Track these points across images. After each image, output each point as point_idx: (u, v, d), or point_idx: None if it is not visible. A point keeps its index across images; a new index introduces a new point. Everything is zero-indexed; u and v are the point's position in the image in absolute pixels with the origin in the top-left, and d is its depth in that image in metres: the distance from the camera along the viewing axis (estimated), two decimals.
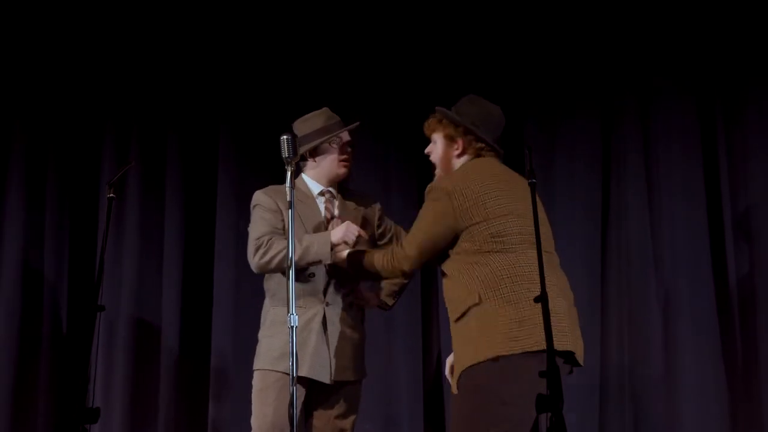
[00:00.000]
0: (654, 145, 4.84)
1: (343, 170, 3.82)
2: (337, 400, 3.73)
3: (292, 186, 3.36)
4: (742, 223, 4.73)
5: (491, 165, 3.47)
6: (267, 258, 3.66)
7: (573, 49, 4.97)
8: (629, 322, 4.75)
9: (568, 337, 3.25)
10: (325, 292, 3.71)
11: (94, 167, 5.15)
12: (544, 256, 3.26)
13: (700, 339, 4.62)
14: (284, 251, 3.59)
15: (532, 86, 4.97)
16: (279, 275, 3.73)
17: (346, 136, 3.83)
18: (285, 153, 3.35)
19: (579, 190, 4.84)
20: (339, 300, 3.71)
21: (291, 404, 3.17)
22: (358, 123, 3.88)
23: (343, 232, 3.63)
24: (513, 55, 5.00)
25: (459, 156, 3.51)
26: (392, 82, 5.07)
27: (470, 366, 3.21)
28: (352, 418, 3.78)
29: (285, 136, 3.36)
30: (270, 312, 3.77)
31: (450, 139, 3.52)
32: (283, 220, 3.71)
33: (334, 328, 3.69)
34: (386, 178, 5.05)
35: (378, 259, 3.52)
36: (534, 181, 3.14)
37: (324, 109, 3.90)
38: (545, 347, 3.02)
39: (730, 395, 4.61)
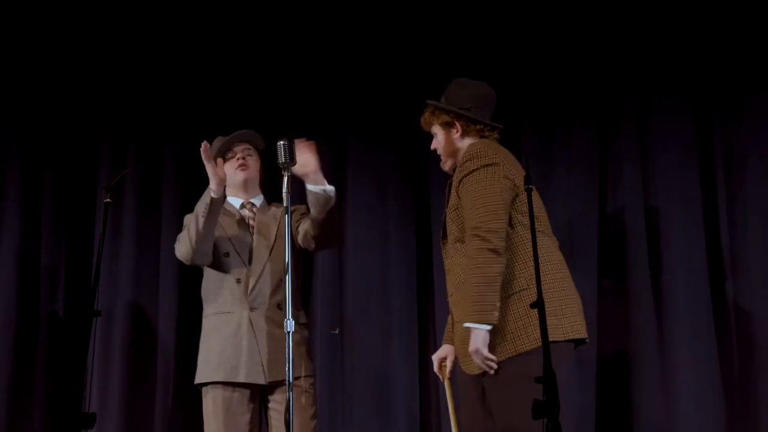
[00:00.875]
0: (651, 155, 4.84)
1: (241, 175, 3.99)
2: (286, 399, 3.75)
3: (289, 191, 3.36)
4: (738, 230, 4.74)
5: (499, 147, 3.49)
6: (181, 245, 3.87)
7: (569, 58, 4.97)
8: (627, 329, 4.75)
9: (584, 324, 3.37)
10: (249, 297, 3.80)
11: (91, 172, 5.14)
12: (551, 243, 3.35)
13: (696, 342, 4.62)
14: (187, 226, 3.84)
15: (529, 96, 4.98)
16: (208, 285, 3.91)
17: (234, 146, 4.01)
18: (281, 158, 3.34)
19: (576, 199, 4.84)
20: (265, 303, 3.80)
21: (287, 410, 3.17)
22: (242, 131, 4.05)
23: (212, 170, 3.80)
24: (510, 65, 5.01)
25: (461, 137, 3.51)
26: (388, 90, 5.07)
27: (525, 352, 3.21)
28: (308, 413, 3.81)
29: (281, 142, 3.35)
30: (205, 322, 3.90)
31: (447, 126, 3.54)
32: None
33: (262, 330, 3.75)
34: (382, 186, 5.05)
35: (473, 271, 3.24)
36: (531, 186, 3.15)
37: (217, 137, 4.10)
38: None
39: (726, 396, 4.61)
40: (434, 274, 4.92)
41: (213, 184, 3.79)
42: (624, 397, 4.70)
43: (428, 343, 4.94)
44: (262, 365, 3.72)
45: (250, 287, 3.81)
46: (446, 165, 3.62)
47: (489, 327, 3.21)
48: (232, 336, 3.76)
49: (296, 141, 3.65)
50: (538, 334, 3.09)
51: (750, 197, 4.75)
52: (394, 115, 5.05)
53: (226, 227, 3.95)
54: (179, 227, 4.97)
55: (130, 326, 4.95)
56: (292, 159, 3.34)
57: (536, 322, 3.07)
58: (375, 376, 4.88)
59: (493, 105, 3.58)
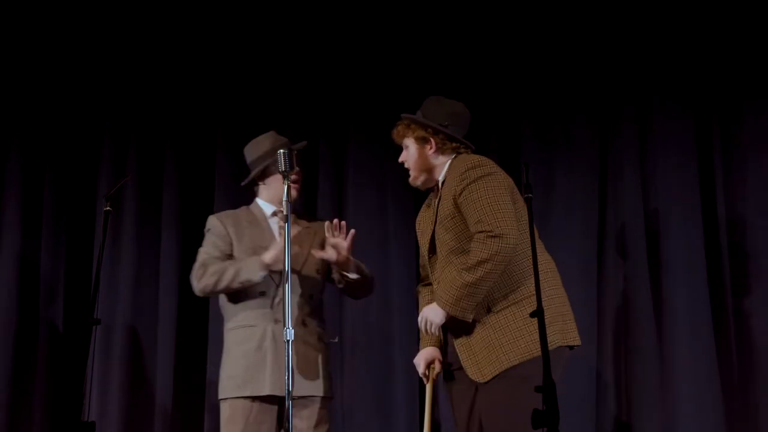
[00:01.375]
0: (651, 155, 4.84)
1: (293, 194, 3.77)
2: (305, 415, 3.73)
3: (289, 200, 3.36)
4: (737, 232, 4.75)
5: None
6: (203, 283, 3.77)
7: (569, 60, 4.97)
8: (627, 329, 4.76)
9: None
10: (273, 310, 3.75)
11: (91, 180, 5.12)
12: (542, 249, 3.37)
13: (696, 342, 4.63)
14: (220, 274, 3.71)
15: (529, 98, 4.97)
16: (228, 299, 3.83)
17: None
18: (282, 167, 3.36)
19: (576, 202, 4.84)
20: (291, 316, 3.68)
21: (286, 418, 3.19)
22: (304, 143, 3.92)
23: (276, 253, 3.64)
24: (510, 68, 5.00)
25: (435, 154, 3.51)
26: (387, 92, 5.04)
27: (528, 360, 3.21)
28: (321, 430, 3.78)
29: (282, 150, 3.38)
30: (227, 336, 3.86)
31: (422, 141, 3.53)
32: (231, 244, 3.85)
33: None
34: (382, 186, 5.04)
35: (477, 267, 3.22)
36: (530, 195, 3.15)
37: (271, 132, 3.98)
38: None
39: (726, 396, 4.63)
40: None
41: (266, 265, 3.68)
42: (624, 398, 4.71)
43: None
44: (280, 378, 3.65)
45: (276, 300, 3.76)
46: (417, 180, 3.59)
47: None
48: (256, 350, 3.72)
49: (334, 224, 3.73)
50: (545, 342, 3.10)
51: (750, 197, 4.76)
52: (394, 116, 5.01)
53: (254, 238, 3.86)
54: (179, 232, 5.00)
55: (130, 334, 4.94)
56: (292, 167, 3.38)
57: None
58: (375, 378, 4.88)
59: (468, 125, 3.58)
